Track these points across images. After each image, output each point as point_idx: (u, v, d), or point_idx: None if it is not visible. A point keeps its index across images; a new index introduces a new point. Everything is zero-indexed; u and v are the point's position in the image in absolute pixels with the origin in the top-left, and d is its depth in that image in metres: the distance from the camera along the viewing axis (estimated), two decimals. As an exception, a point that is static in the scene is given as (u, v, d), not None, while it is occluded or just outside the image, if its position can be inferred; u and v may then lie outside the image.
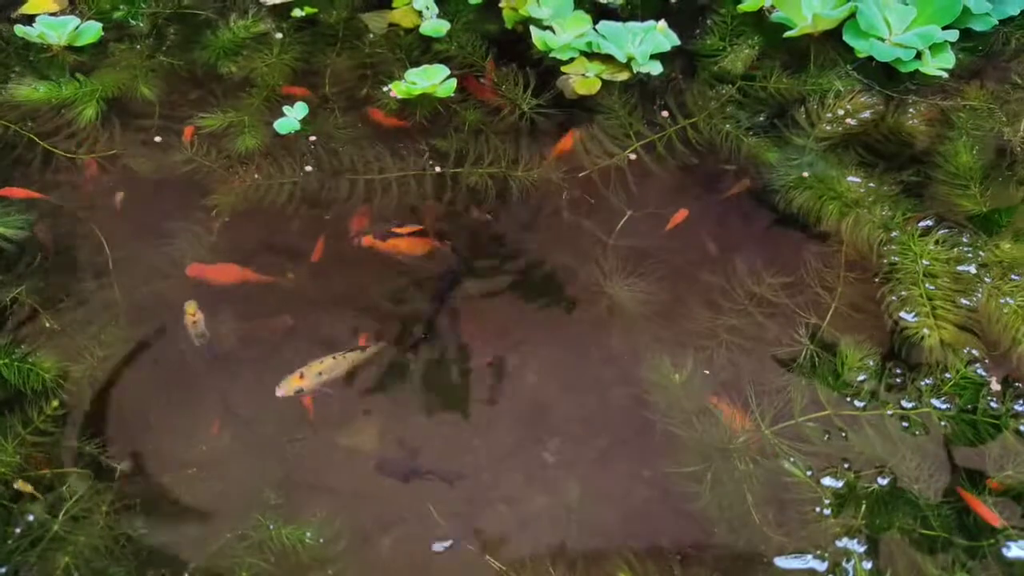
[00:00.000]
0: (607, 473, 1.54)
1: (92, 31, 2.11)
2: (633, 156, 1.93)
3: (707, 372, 1.61)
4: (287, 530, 1.40)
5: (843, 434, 1.47)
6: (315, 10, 2.19)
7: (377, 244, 1.76)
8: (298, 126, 1.92)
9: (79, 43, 2.11)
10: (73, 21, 2.11)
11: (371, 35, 2.15)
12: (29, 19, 2.17)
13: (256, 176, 1.84)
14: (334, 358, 1.61)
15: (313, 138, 1.92)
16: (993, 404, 1.49)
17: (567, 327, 1.73)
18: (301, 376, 1.57)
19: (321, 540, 1.40)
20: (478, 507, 1.50)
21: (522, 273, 1.79)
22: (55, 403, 1.52)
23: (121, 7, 2.21)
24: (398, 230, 1.79)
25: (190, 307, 1.66)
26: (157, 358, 1.65)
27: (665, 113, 1.99)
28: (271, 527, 1.40)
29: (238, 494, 1.49)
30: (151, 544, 1.41)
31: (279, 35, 2.13)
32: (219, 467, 1.53)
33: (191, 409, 1.59)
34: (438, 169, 1.89)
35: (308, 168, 1.85)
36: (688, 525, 1.46)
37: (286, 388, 1.55)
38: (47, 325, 1.64)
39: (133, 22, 2.17)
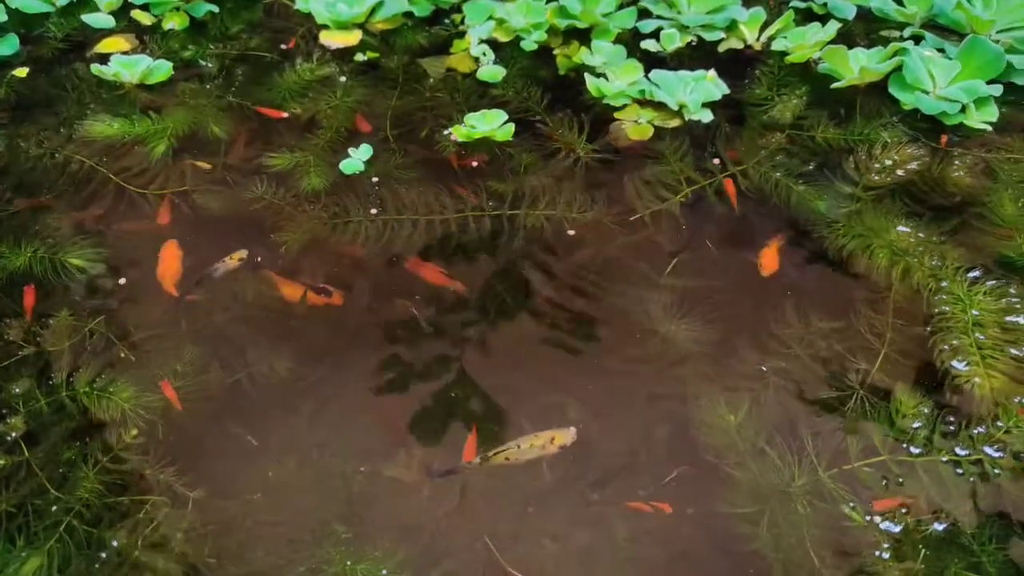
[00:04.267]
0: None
1: (163, 70, 2.21)
2: (683, 200, 1.99)
3: (760, 413, 1.64)
4: (362, 566, 1.44)
5: (900, 480, 1.51)
6: (376, 55, 2.28)
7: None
8: (362, 167, 1.99)
9: (150, 81, 2.21)
10: (145, 60, 2.21)
11: (430, 79, 2.23)
12: (103, 58, 2.27)
13: (323, 214, 1.91)
14: None
15: (376, 179, 1.99)
16: (1046, 453, 1.52)
17: (617, 366, 1.77)
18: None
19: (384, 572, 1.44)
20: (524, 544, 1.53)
21: (575, 311, 1.84)
22: (134, 431, 1.58)
23: (190, 47, 2.31)
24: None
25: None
26: (228, 388, 1.71)
27: (716, 160, 2.05)
28: (348, 563, 1.44)
29: (304, 524, 1.53)
30: (226, 573, 1.46)
31: (343, 78, 2.22)
32: (284, 495, 1.58)
33: (260, 437, 1.64)
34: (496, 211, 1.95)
35: (373, 211, 1.92)
36: (743, 566, 1.49)
37: None
38: (122, 355, 1.70)
39: (202, 62, 2.26)
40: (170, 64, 2.22)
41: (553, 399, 1.71)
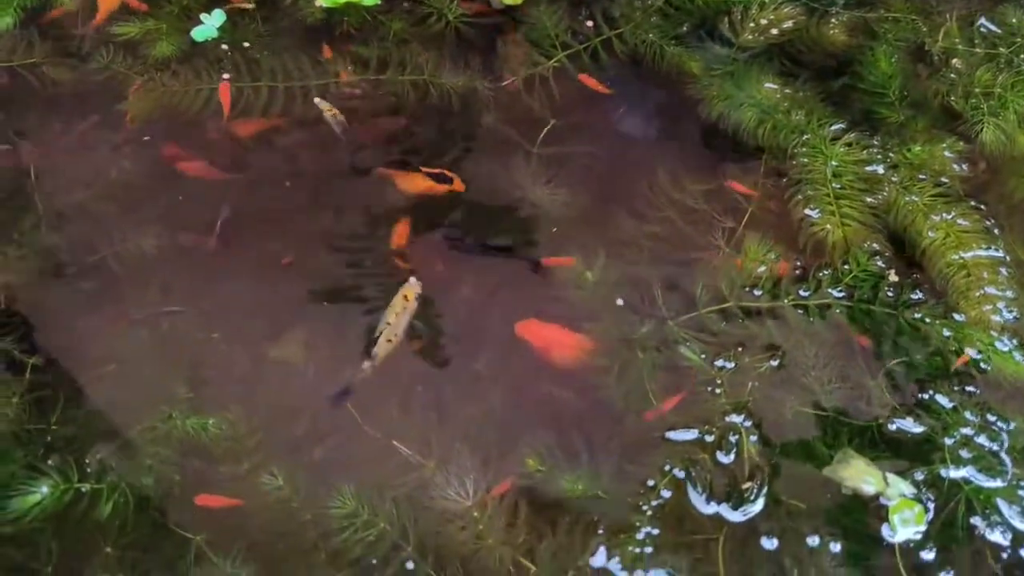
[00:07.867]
0: (522, 371, 1.57)
1: (10, -60, 2.07)
2: (557, 65, 1.93)
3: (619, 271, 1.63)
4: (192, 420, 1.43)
5: (742, 321, 1.51)
6: (243, -82, 2.16)
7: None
8: (216, 33, 1.90)
9: (-3, -47, 2.07)
10: (-9, -71, 2.07)
11: (299, -55, 2.12)
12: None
13: (173, 83, 1.83)
14: None
15: (226, 47, 1.90)
16: (890, 294, 1.53)
17: (491, 235, 1.75)
18: None
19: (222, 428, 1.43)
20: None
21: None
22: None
23: (43, -84, 2.16)
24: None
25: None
26: (76, 262, 1.66)
27: (590, 23, 1.99)
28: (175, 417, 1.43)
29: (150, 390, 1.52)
30: (60, 434, 1.44)
31: (203, -57, 2.10)
32: (135, 364, 1.55)
33: (109, 309, 1.60)
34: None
35: (225, 76, 1.85)
36: (596, 412, 1.50)
37: None
38: (-39, 230, 1.64)
39: (55, -70, 2.12)
40: (19, -67, 2.08)
41: (421, 270, 1.68)
